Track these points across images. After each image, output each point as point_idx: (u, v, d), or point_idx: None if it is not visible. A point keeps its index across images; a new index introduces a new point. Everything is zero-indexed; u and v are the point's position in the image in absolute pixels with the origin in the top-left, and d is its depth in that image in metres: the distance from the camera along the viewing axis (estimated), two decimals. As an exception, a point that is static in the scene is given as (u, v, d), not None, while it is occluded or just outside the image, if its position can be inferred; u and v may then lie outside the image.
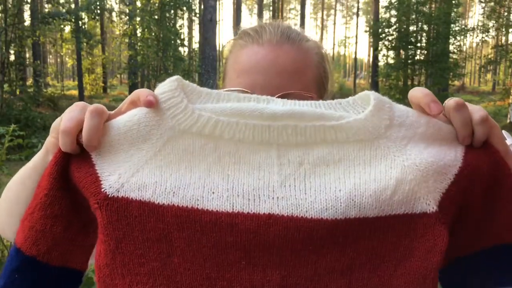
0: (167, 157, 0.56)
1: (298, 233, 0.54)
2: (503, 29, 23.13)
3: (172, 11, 19.74)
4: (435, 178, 0.54)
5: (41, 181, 0.60)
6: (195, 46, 34.85)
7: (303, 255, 0.55)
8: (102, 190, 0.56)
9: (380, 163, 0.55)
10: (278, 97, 0.75)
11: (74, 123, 0.59)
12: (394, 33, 23.37)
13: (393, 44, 23.36)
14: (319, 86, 0.83)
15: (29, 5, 15.68)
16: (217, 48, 15.68)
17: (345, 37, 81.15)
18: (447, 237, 0.54)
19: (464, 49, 34.02)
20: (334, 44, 74.08)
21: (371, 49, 27.40)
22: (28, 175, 0.67)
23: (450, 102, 0.58)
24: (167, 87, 0.58)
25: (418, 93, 0.59)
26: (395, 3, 22.99)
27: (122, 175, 0.56)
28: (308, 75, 0.80)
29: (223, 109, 0.55)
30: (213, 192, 0.55)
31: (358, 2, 54.72)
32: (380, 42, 23.34)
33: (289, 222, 0.55)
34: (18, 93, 14.51)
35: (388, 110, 0.57)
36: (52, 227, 0.58)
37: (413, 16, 23.32)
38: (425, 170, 0.54)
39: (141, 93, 0.60)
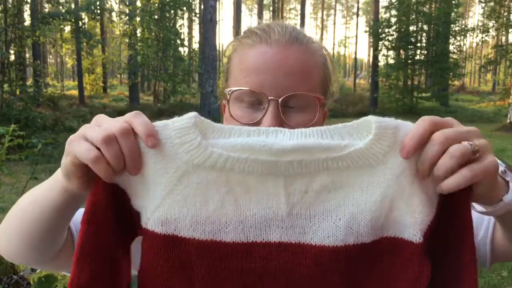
0: (184, 191, 0.60)
1: (305, 259, 0.60)
2: (503, 29, 23.12)
3: (172, 11, 19.74)
4: (420, 209, 0.58)
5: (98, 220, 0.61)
6: (195, 46, 34.87)
7: (309, 279, 0.61)
8: (141, 222, 0.63)
9: (375, 190, 0.59)
10: (286, 97, 0.76)
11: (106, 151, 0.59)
12: (394, 33, 23.37)
13: (393, 44, 23.37)
14: (323, 87, 0.83)
15: (29, 5, 15.70)
16: (217, 48, 15.69)
17: (345, 37, 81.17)
18: (430, 267, 0.59)
19: (464, 49, 34.04)
20: (334, 44, 74.09)
21: (371, 49, 27.42)
22: (46, 206, 0.67)
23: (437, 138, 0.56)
24: (184, 124, 0.60)
25: (414, 126, 0.59)
26: (395, 3, 22.99)
27: (147, 210, 0.62)
28: (314, 76, 0.80)
29: (234, 145, 0.59)
30: (229, 225, 0.61)
31: (358, 2, 54.74)
32: (380, 42, 23.34)
33: (297, 248, 0.61)
34: (18, 93, 14.51)
35: (390, 136, 0.59)
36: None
37: (413, 16, 23.32)
38: (412, 201, 0.58)
39: (140, 129, 0.59)
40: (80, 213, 0.76)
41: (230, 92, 0.79)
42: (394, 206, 0.59)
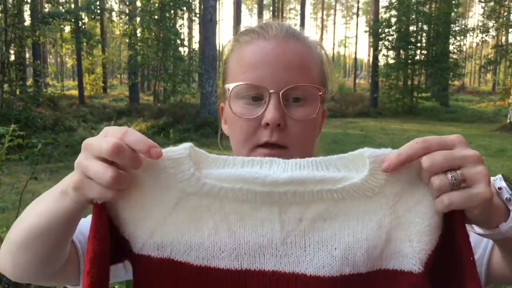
0: (179, 217, 0.60)
1: None
2: (503, 29, 23.12)
3: (172, 11, 19.73)
4: (419, 239, 0.57)
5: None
6: (195, 46, 34.86)
7: None
8: (131, 247, 0.63)
9: (371, 219, 0.58)
10: (287, 90, 0.75)
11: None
12: (394, 33, 23.36)
13: (393, 44, 23.36)
14: (322, 83, 0.83)
15: (29, 5, 15.69)
16: (217, 48, 15.68)
17: (345, 37, 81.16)
18: None
19: (464, 49, 34.03)
20: (334, 44, 74.08)
21: (371, 49, 27.41)
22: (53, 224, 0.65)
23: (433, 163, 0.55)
24: (178, 155, 0.59)
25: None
26: (395, 3, 22.98)
27: (142, 236, 0.62)
28: (313, 70, 0.81)
29: (227, 176, 0.59)
30: (222, 251, 0.60)
31: (358, 2, 54.73)
32: (380, 42, 23.33)
33: (291, 278, 0.60)
34: (18, 93, 14.50)
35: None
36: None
37: (413, 16, 23.31)
38: (409, 230, 0.57)
39: (139, 147, 0.57)
40: (80, 224, 0.76)
41: (230, 89, 0.79)
42: (392, 235, 0.58)
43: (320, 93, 0.79)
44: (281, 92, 0.76)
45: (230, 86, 0.79)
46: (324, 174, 0.58)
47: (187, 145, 0.60)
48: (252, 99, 0.78)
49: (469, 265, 0.55)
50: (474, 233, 0.64)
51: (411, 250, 0.57)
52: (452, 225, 0.57)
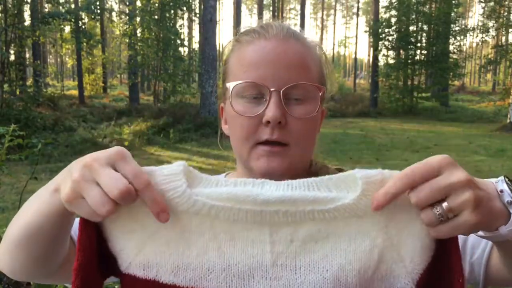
0: (167, 235, 0.59)
1: None
2: (503, 29, 23.12)
3: (172, 11, 19.73)
4: (411, 259, 0.57)
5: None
6: (195, 46, 34.84)
7: None
8: (119, 265, 0.61)
9: (363, 240, 0.58)
10: (287, 88, 0.76)
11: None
12: (394, 33, 23.36)
13: (393, 44, 23.36)
14: (321, 83, 0.84)
15: (29, 5, 15.69)
16: (217, 48, 15.68)
17: (345, 37, 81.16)
18: None
19: (464, 49, 34.03)
20: (334, 44, 74.07)
21: (371, 49, 27.41)
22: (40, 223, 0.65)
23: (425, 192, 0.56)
24: (171, 171, 0.59)
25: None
26: (395, 3, 22.98)
27: (129, 254, 0.60)
28: (312, 69, 0.82)
29: (219, 194, 0.58)
30: (211, 272, 0.59)
31: (358, 2, 54.72)
32: (380, 42, 23.33)
33: None
34: (18, 93, 14.51)
35: (377, 190, 0.58)
36: None
37: (413, 16, 23.31)
38: (402, 250, 0.57)
39: (153, 208, 0.57)
40: (77, 221, 0.76)
41: (231, 88, 0.79)
42: (384, 256, 0.58)
43: (320, 92, 0.80)
44: (281, 90, 0.76)
45: (231, 84, 0.80)
46: (316, 194, 0.58)
47: (180, 162, 0.59)
48: (253, 98, 0.79)
49: (457, 285, 0.56)
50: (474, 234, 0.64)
51: (404, 270, 0.57)
52: (445, 245, 0.57)
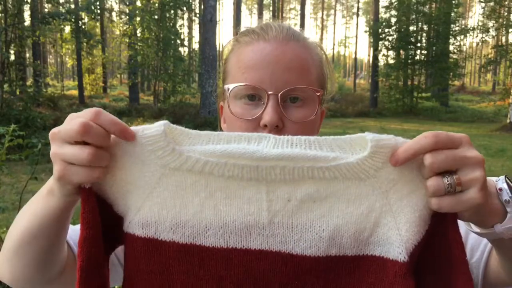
0: (163, 193, 0.60)
1: (285, 268, 0.59)
2: (503, 29, 23.11)
3: (172, 11, 19.72)
4: (407, 227, 0.57)
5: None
6: (195, 46, 34.83)
7: (288, 287, 0.60)
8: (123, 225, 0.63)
9: (362, 203, 0.58)
10: (285, 91, 0.75)
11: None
12: (394, 33, 23.36)
13: (393, 44, 23.35)
14: (321, 84, 0.84)
15: (29, 5, 15.69)
16: (217, 48, 15.68)
17: (345, 37, 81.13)
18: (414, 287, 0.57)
19: (464, 49, 34.00)
20: (334, 44, 74.04)
21: (371, 49, 27.40)
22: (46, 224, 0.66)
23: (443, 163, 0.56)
24: (153, 132, 0.59)
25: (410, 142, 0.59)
26: (395, 3, 22.97)
27: (128, 213, 0.62)
28: (312, 72, 0.81)
29: (212, 151, 0.57)
30: (208, 229, 0.60)
31: (358, 2, 54.70)
32: (380, 42, 23.32)
33: (277, 257, 0.60)
34: (18, 93, 14.51)
35: (386, 155, 0.57)
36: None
37: (413, 16, 23.31)
38: (399, 218, 0.57)
39: (113, 128, 0.59)
40: (73, 229, 0.77)
41: (229, 90, 0.79)
42: (381, 221, 0.58)
43: (318, 94, 0.79)
44: (279, 94, 0.76)
45: (229, 86, 0.79)
46: (317, 153, 0.57)
47: (161, 122, 0.59)
48: (251, 100, 0.78)
49: (459, 260, 0.56)
50: (472, 231, 0.64)
51: (399, 238, 0.57)
52: (444, 221, 0.57)
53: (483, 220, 0.60)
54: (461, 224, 0.60)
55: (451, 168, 0.56)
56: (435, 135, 0.56)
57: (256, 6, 50.28)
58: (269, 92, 0.76)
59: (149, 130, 0.59)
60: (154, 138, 0.58)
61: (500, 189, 0.59)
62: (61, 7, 16.21)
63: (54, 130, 0.59)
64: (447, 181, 0.55)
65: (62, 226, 0.68)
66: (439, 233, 0.58)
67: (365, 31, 28.78)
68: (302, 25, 26.95)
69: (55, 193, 0.62)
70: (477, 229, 0.62)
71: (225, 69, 0.86)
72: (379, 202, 0.58)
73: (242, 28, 0.88)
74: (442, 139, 0.56)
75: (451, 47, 23.48)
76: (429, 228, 0.58)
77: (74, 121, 0.57)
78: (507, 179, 0.61)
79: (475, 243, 0.79)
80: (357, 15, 53.61)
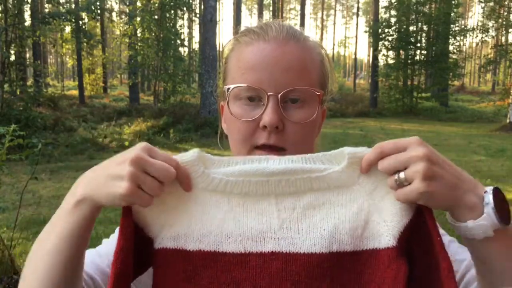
0: (193, 210, 0.71)
1: (295, 266, 0.68)
2: (503, 29, 23.13)
3: (172, 11, 19.73)
4: (391, 218, 0.68)
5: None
6: (195, 46, 34.85)
7: (300, 285, 0.67)
8: (153, 244, 0.71)
9: (353, 205, 0.70)
10: (285, 92, 0.76)
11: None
12: (394, 33, 23.36)
13: (393, 44, 23.36)
14: (321, 84, 0.83)
15: (29, 5, 15.70)
16: (217, 48, 15.69)
17: (345, 37, 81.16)
18: (406, 265, 0.67)
19: (464, 49, 34.02)
20: (334, 44, 74.09)
21: (371, 49, 27.41)
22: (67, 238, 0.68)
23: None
24: (189, 158, 0.70)
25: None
26: (395, 3, 22.98)
27: (161, 231, 0.71)
28: (312, 72, 0.80)
29: (232, 172, 0.70)
30: (229, 237, 0.70)
31: (358, 2, 54.74)
32: (380, 42, 23.32)
33: (287, 257, 0.68)
34: (18, 93, 14.52)
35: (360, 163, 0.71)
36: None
37: (413, 16, 23.32)
38: (384, 213, 0.69)
39: (184, 185, 0.69)
40: (88, 257, 0.78)
41: (228, 90, 0.79)
42: (370, 218, 0.69)
43: (318, 94, 0.79)
44: (279, 95, 0.76)
45: (229, 87, 0.79)
46: (312, 166, 0.71)
47: (196, 150, 0.71)
48: (251, 101, 0.78)
49: (437, 243, 0.64)
50: (450, 224, 0.68)
51: (386, 228, 0.68)
52: (422, 212, 0.67)
53: (458, 213, 0.65)
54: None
55: (399, 168, 0.64)
56: (380, 146, 0.67)
57: (256, 6, 50.28)
58: (269, 93, 0.76)
59: (185, 157, 0.70)
60: (190, 163, 0.70)
61: (486, 192, 0.64)
62: (61, 7, 16.22)
63: (145, 157, 0.64)
64: (395, 178, 0.65)
65: (86, 236, 0.70)
66: (420, 222, 0.67)
67: (365, 31, 28.79)
68: (302, 25, 26.96)
69: (87, 203, 0.66)
70: (452, 221, 0.67)
71: (225, 68, 0.86)
72: (366, 202, 0.70)
73: (242, 27, 0.87)
74: (386, 148, 0.66)
75: (450, 47, 23.49)
76: (412, 218, 0.68)
77: (161, 164, 0.65)
78: (498, 190, 0.64)
79: (454, 264, 0.81)
80: (357, 15, 53.64)
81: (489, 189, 0.64)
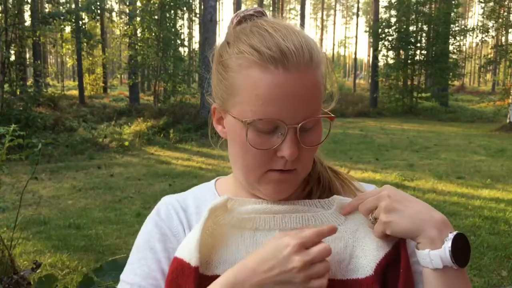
0: (213, 242, 0.83)
1: None
2: (503, 29, 23.13)
3: (172, 11, 19.74)
4: (370, 253, 0.81)
5: None
6: (195, 46, 34.85)
7: None
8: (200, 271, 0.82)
9: (341, 242, 0.83)
10: (303, 124, 0.75)
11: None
12: (394, 33, 23.37)
13: (393, 44, 23.36)
14: (324, 95, 0.83)
15: (29, 5, 15.70)
16: (217, 48, 15.67)
17: (345, 37, 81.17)
18: None
19: (464, 49, 34.03)
20: (334, 44, 74.08)
21: (371, 49, 27.41)
22: None
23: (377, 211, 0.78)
24: (219, 202, 0.83)
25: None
26: (395, 3, 22.99)
27: (203, 260, 0.82)
28: (322, 92, 0.80)
29: (246, 210, 0.85)
30: None
31: (358, 2, 54.74)
32: (380, 42, 23.33)
33: None
34: (18, 93, 14.52)
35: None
36: None
37: (413, 16, 23.33)
38: (365, 248, 0.82)
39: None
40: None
41: (247, 120, 0.77)
42: (354, 253, 0.82)
43: (331, 119, 0.83)
44: (298, 126, 0.75)
45: (248, 120, 0.76)
46: (310, 208, 0.87)
47: (225, 196, 0.85)
48: (269, 130, 0.77)
49: (407, 273, 0.78)
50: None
51: (366, 261, 0.81)
52: (398, 245, 0.80)
53: (419, 243, 0.74)
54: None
55: (372, 209, 0.79)
56: (360, 195, 0.83)
57: (256, 6, 50.21)
58: (288, 126, 0.75)
59: (218, 203, 0.83)
60: (218, 205, 0.83)
61: (451, 232, 0.72)
62: (61, 7, 16.23)
63: (307, 258, 0.72)
64: (370, 217, 0.79)
65: None
66: (397, 254, 0.80)
67: (365, 31, 28.80)
68: (302, 25, 26.88)
69: None
70: (415, 249, 0.75)
71: (232, 84, 0.80)
72: (351, 239, 0.83)
73: (254, 30, 0.80)
74: (365, 196, 0.81)
75: (450, 47, 23.50)
76: (390, 251, 0.80)
77: (322, 250, 0.73)
78: (462, 235, 0.72)
79: None
80: (357, 15, 53.64)
81: (456, 232, 0.72)
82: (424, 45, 23.59)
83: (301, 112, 0.75)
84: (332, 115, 0.82)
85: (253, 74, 0.76)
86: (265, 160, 0.78)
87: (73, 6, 19.51)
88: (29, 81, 18.38)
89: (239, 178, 0.86)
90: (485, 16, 22.77)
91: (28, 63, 16.97)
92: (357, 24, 50.02)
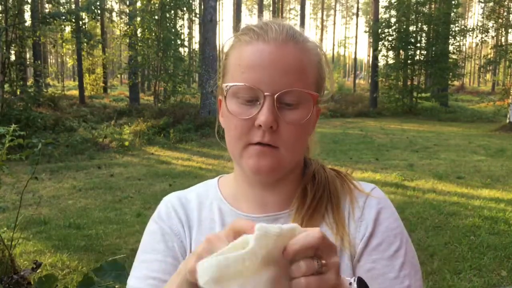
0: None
1: None
2: (503, 30, 23.14)
3: (172, 12, 19.74)
4: None
5: None
6: (195, 46, 34.86)
7: None
8: None
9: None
10: (281, 93, 0.77)
11: None
12: (393, 33, 23.37)
13: (392, 45, 23.36)
14: (317, 86, 0.85)
15: (29, 5, 15.70)
16: (217, 48, 15.70)
17: (345, 38, 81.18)
18: None
19: (464, 49, 34.03)
20: (334, 45, 74.11)
21: (371, 49, 27.42)
22: None
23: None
24: (238, 241, 0.77)
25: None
26: (395, 3, 22.98)
27: None
28: (309, 74, 0.82)
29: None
30: None
31: (358, 2, 54.76)
32: (379, 43, 23.33)
33: None
34: (18, 93, 14.52)
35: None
36: None
37: (413, 16, 23.33)
38: None
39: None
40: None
41: (227, 88, 0.81)
42: None
43: (313, 95, 0.81)
44: (275, 95, 0.78)
45: (228, 85, 0.81)
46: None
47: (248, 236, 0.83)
48: (248, 100, 0.80)
49: None
50: None
51: None
52: None
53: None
54: None
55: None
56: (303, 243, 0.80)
57: (256, 6, 50.32)
58: (266, 93, 0.77)
59: (236, 241, 0.78)
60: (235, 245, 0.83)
61: (355, 280, 0.65)
62: (61, 7, 16.23)
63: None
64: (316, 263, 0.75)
65: None
66: None
67: (365, 31, 28.79)
68: (302, 25, 26.96)
69: None
70: None
71: (225, 64, 0.87)
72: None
73: (243, 24, 0.89)
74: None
75: (450, 47, 23.50)
76: None
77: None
78: (361, 282, 0.65)
79: None
80: (357, 15, 53.64)
81: (354, 281, 0.66)
82: (424, 45, 23.59)
83: (279, 82, 0.78)
84: (315, 93, 0.82)
85: (239, 49, 0.83)
86: (245, 131, 0.80)
87: (73, 6, 19.53)
88: (29, 81, 18.39)
89: (230, 152, 0.87)
90: (485, 16, 22.78)
91: (28, 63, 16.97)
92: (357, 24, 50.02)
